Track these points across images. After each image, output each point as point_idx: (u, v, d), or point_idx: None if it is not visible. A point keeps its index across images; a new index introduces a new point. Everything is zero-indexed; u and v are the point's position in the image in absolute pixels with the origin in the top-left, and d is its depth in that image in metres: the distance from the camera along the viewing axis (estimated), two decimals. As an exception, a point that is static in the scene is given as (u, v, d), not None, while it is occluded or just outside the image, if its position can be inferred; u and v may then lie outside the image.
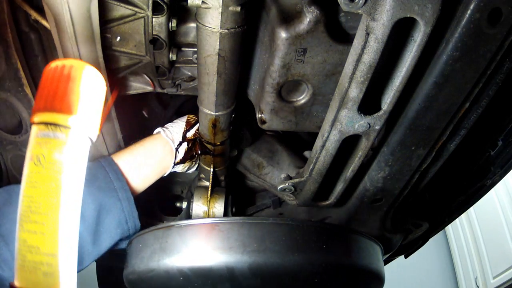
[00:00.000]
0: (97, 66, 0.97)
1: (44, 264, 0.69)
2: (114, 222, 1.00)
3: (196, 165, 1.39)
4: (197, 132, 1.27)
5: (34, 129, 0.74)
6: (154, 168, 1.16)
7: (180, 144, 1.22)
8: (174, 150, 1.21)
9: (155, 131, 1.24)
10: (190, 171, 1.39)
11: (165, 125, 1.26)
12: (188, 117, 1.30)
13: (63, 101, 0.73)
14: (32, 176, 0.71)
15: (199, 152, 1.35)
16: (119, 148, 1.24)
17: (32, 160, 0.71)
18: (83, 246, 0.96)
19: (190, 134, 1.26)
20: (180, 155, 1.24)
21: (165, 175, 1.24)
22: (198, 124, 1.28)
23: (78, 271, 0.98)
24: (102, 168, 1.05)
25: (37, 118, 0.73)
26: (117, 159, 1.09)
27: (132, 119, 1.27)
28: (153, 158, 1.16)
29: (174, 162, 1.22)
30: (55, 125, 0.72)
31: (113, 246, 1.04)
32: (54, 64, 0.76)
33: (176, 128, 1.24)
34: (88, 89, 0.77)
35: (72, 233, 0.74)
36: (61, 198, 0.71)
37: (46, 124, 0.72)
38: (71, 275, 0.72)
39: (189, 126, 1.26)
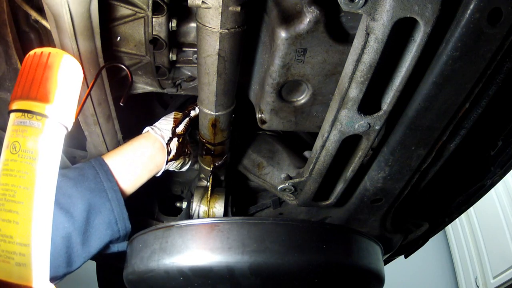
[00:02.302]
0: (97, 66, 0.97)
1: (17, 254, 0.68)
2: (103, 223, 0.99)
3: (189, 164, 1.38)
4: (186, 127, 1.27)
5: (11, 117, 0.73)
6: (145, 167, 1.15)
7: (171, 139, 1.21)
8: (165, 146, 1.20)
9: (144, 130, 1.23)
10: (183, 169, 1.38)
11: (154, 124, 1.26)
12: (175, 113, 1.29)
13: (40, 89, 0.72)
14: (7, 164, 0.70)
15: (192, 149, 1.34)
16: (116, 140, 1.23)
17: (8, 148, 0.71)
18: (72, 247, 0.95)
19: (179, 130, 1.25)
20: (173, 151, 1.23)
21: (159, 174, 1.23)
22: (186, 119, 1.27)
23: (68, 273, 0.97)
24: (92, 168, 1.04)
25: (14, 105, 0.73)
26: (107, 160, 1.08)
27: (132, 119, 1.27)
28: (143, 156, 1.15)
29: (168, 159, 1.21)
30: (31, 113, 0.72)
31: (103, 249, 1.03)
32: (33, 51, 0.75)
33: (164, 125, 1.24)
34: (66, 77, 0.75)
35: (45, 224, 0.72)
36: (35, 187, 0.70)
37: (23, 111, 0.72)
38: (43, 266, 0.70)
39: (177, 122, 1.25)
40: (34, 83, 0.73)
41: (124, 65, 1.04)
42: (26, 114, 0.72)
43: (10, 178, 0.70)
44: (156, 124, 1.25)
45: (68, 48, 0.91)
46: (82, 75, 0.81)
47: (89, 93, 0.97)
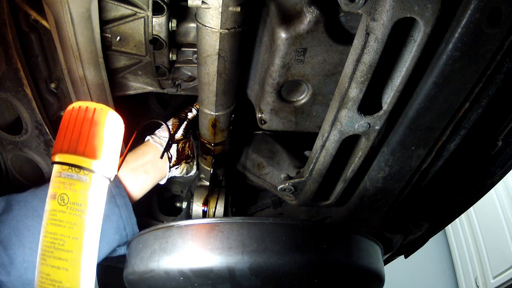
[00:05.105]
0: (97, 66, 0.97)
1: None
2: (112, 228, 1.00)
3: (195, 168, 1.39)
4: (185, 131, 1.29)
5: (56, 168, 0.77)
6: (148, 174, 1.16)
7: (170, 146, 1.23)
8: (164, 152, 1.21)
9: (145, 139, 1.25)
10: (191, 174, 1.39)
11: (154, 133, 1.27)
12: (172, 120, 1.31)
13: (88, 145, 0.77)
14: (56, 214, 0.75)
15: (194, 152, 1.35)
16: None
17: (56, 199, 0.75)
18: None
19: (178, 136, 1.26)
20: (173, 157, 1.24)
21: (163, 181, 1.25)
22: (183, 124, 1.29)
23: None
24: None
25: (60, 158, 0.77)
26: None
27: (132, 119, 1.27)
28: (145, 164, 1.16)
29: (170, 165, 1.22)
30: (79, 167, 0.76)
31: (111, 253, 1.04)
32: (77, 105, 0.80)
33: (163, 133, 1.26)
34: (111, 134, 0.80)
35: (92, 269, 0.78)
36: (84, 237, 0.76)
37: (70, 165, 0.76)
38: None
39: (175, 128, 1.27)
40: (81, 138, 0.77)
41: (164, 123, 1.14)
42: (73, 168, 0.76)
43: (59, 228, 0.74)
44: (156, 132, 1.28)
45: (68, 48, 0.91)
46: (123, 130, 0.86)
47: (129, 149, 1.06)
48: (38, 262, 0.75)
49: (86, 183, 0.76)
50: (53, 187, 0.76)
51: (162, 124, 1.16)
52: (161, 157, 1.16)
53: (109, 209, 1.00)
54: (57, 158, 0.77)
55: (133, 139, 1.05)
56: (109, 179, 0.83)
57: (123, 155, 0.96)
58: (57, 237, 0.74)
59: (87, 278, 0.76)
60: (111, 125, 0.80)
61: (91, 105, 0.79)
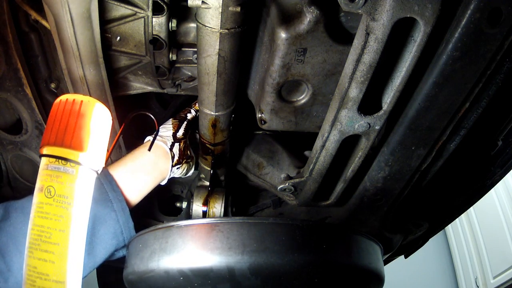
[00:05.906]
0: (97, 66, 0.98)
1: None
2: (109, 233, 0.99)
3: (193, 168, 1.39)
4: (185, 131, 1.28)
5: (44, 161, 0.77)
6: (149, 175, 1.14)
7: (173, 144, 1.22)
8: (168, 152, 1.20)
9: (145, 140, 1.23)
10: (189, 174, 1.39)
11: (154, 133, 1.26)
12: (172, 120, 1.30)
13: (74, 137, 0.76)
14: (42, 207, 0.75)
15: (192, 152, 1.35)
16: (120, 155, 1.24)
17: (43, 192, 0.75)
18: None
19: (179, 134, 1.26)
20: (176, 156, 1.23)
21: (164, 182, 1.23)
22: (184, 123, 1.29)
23: None
24: (96, 179, 1.03)
25: (47, 150, 0.77)
26: (110, 170, 1.07)
27: (132, 119, 1.27)
28: (146, 164, 1.14)
29: (172, 164, 1.22)
30: (65, 160, 0.76)
31: (108, 257, 1.03)
32: (64, 97, 0.79)
33: (164, 132, 1.24)
34: (98, 126, 0.80)
35: (79, 262, 0.78)
36: (70, 229, 0.75)
37: (57, 158, 0.76)
38: None
39: (176, 127, 1.26)
40: (68, 130, 0.76)
41: (151, 115, 1.13)
42: (60, 160, 0.76)
43: (45, 220, 0.74)
44: None
45: (68, 48, 0.91)
46: (111, 122, 0.86)
47: (117, 141, 1.06)
48: (26, 255, 0.75)
49: (73, 176, 0.76)
50: (40, 179, 0.76)
51: (160, 120, 1.14)
52: (149, 149, 1.14)
53: (106, 214, 0.98)
54: (44, 150, 0.77)
55: (121, 131, 1.03)
56: (97, 171, 0.82)
57: (111, 148, 0.95)
58: (44, 230, 0.74)
59: (74, 271, 0.76)
60: (98, 117, 0.80)
61: (78, 97, 0.78)
